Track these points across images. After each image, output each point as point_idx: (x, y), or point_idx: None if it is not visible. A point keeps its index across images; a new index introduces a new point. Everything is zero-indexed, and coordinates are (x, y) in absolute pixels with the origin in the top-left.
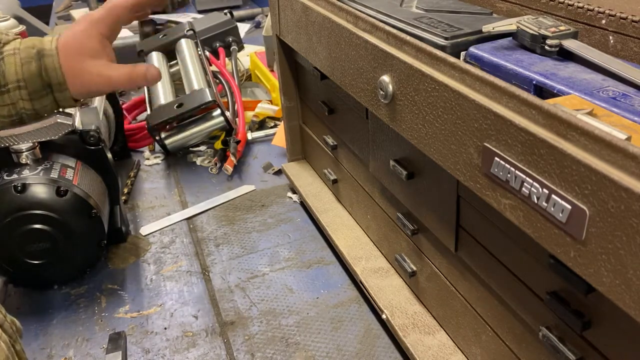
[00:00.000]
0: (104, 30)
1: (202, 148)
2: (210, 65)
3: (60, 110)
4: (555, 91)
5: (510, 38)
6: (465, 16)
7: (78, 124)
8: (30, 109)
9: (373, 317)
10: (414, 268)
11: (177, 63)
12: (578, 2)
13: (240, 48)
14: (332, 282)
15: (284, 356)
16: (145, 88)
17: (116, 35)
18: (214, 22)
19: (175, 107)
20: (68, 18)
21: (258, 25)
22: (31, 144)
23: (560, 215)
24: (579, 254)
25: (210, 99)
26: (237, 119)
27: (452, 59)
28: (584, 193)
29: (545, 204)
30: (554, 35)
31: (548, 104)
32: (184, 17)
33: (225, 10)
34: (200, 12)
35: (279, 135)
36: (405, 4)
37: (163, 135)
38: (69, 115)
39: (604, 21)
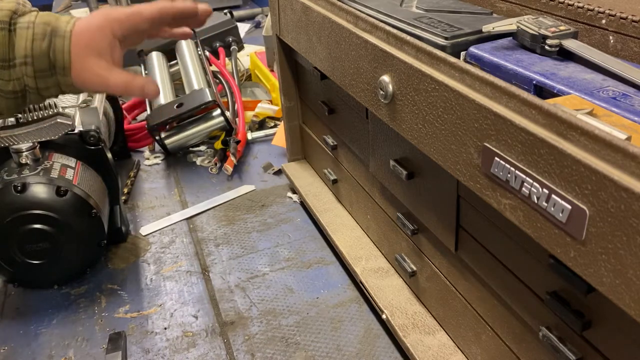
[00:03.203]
0: (117, 32)
1: (202, 148)
2: (210, 65)
3: (61, 110)
4: (555, 91)
5: (510, 38)
6: (465, 16)
7: (78, 124)
8: (34, 87)
9: (373, 317)
10: (414, 268)
11: (177, 63)
12: (578, 2)
13: (240, 48)
14: (332, 282)
15: (284, 356)
16: None
17: (133, 43)
18: (214, 22)
19: (175, 107)
20: None
21: (258, 25)
22: (31, 144)
23: (560, 215)
24: (579, 254)
25: (210, 99)
26: (237, 119)
27: (452, 59)
28: (584, 193)
29: (545, 204)
30: (554, 35)
31: (548, 103)
32: None
33: (225, 10)
34: None
35: (279, 135)
36: (405, 4)
37: (163, 135)
38: (69, 115)
39: (604, 21)
